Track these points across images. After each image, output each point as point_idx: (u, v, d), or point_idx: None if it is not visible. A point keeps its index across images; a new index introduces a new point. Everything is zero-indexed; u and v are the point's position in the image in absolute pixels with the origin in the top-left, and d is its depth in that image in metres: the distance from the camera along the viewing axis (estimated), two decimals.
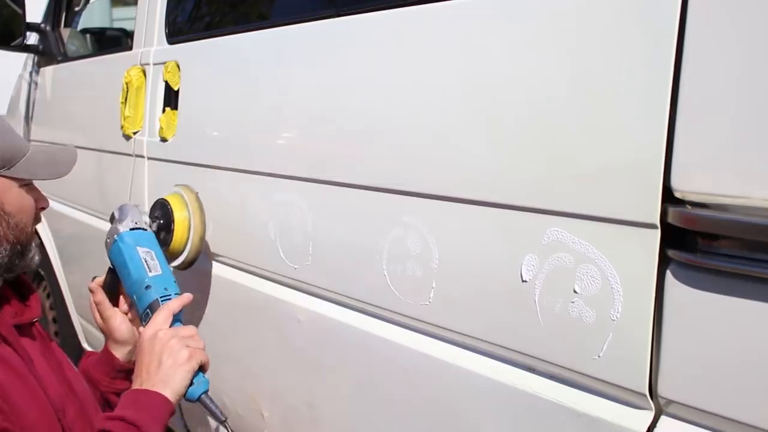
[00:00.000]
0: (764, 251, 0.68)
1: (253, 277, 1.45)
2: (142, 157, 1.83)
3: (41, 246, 1.21)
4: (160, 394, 1.09)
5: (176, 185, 1.53)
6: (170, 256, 1.44)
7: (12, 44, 2.61)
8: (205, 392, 1.17)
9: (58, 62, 2.58)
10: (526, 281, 0.89)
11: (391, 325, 1.13)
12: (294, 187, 1.29)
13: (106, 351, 1.33)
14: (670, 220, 0.74)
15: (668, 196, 0.74)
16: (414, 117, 1.05)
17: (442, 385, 1.04)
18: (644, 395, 0.78)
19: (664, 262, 0.76)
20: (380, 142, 1.11)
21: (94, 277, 1.38)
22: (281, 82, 1.34)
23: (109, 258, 1.33)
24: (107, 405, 1.27)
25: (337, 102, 1.20)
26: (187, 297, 1.26)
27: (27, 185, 1.14)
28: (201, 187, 1.60)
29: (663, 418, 0.79)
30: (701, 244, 0.73)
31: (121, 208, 1.38)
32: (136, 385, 1.13)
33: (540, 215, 0.88)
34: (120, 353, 1.32)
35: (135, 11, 1.93)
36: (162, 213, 1.47)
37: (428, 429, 1.08)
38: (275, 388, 1.40)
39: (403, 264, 1.07)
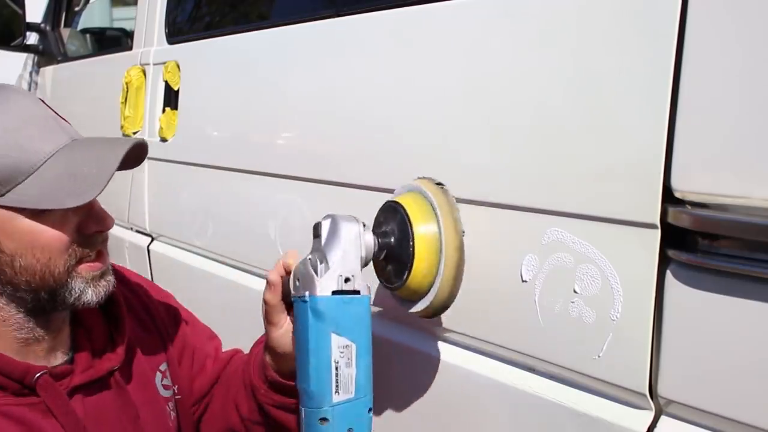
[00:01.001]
0: (764, 251, 0.68)
1: (253, 277, 1.45)
2: None
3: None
4: None
5: (416, 179, 0.99)
6: (406, 297, 0.96)
7: (12, 44, 2.61)
8: None
9: (58, 62, 2.58)
10: (526, 281, 0.89)
11: (390, 324, 1.13)
12: (294, 187, 1.29)
13: (262, 354, 1.03)
14: (670, 220, 0.74)
15: (668, 196, 0.74)
16: (414, 117, 1.05)
17: (441, 385, 1.04)
18: (644, 395, 0.78)
19: (664, 262, 0.76)
20: (380, 142, 1.11)
21: (287, 253, 0.97)
22: (281, 82, 1.35)
23: (293, 307, 0.90)
24: (267, 416, 1.04)
25: (337, 102, 1.20)
26: None
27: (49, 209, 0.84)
28: (201, 187, 1.59)
29: (663, 418, 0.79)
30: (701, 244, 0.73)
31: (334, 225, 0.88)
32: None
33: (540, 215, 0.88)
34: (275, 361, 1.00)
35: (135, 11, 1.93)
36: (395, 227, 0.93)
37: (428, 429, 1.08)
38: None
39: None
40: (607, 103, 0.80)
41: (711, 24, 0.72)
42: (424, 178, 0.98)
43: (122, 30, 2.79)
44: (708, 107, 0.71)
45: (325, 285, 0.84)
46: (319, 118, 1.24)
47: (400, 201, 0.94)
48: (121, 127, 1.90)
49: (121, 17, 3.70)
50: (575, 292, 0.84)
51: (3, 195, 0.83)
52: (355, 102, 1.17)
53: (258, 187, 1.40)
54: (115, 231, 2.03)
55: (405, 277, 0.90)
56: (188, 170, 1.63)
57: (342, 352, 0.83)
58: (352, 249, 0.87)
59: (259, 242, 1.39)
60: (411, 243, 0.90)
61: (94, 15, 3.26)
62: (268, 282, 0.96)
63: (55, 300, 0.88)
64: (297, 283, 0.88)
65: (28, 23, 2.58)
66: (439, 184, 0.95)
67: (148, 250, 1.86)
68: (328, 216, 0.90)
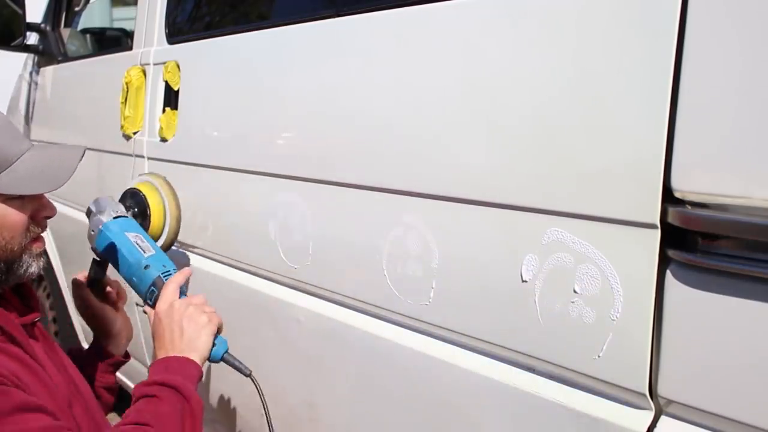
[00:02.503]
0: (764, 251, 0.68)
1: (253, 277, 1.45)
2: (142, 157, 1.83)
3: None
4: (188, 359, 1.14)
5: (141, 174, 1.65)
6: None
7: (12, 44, 2.61)
8: (227, 351, 1.22)
9: (58, 62, 2.58)
10: (526, 281, 0.89)
11: (391, 325, 1.13)
12: (294, 187, 1.29)
13: (97, 346, 1.36)
14: (670, 220, 0.74)
15: (668, 196, 0.74)
16: (414, 117, 1.05)
17: (442, 385, 1.04)
18: (644, 395, 0.78)
19: (664, 262, 0.76)
20: (380, 142, 1.11)
21: (74, 276, 1.39)
22: (281, 82, 1.34)
23: (96, 250, 1.35)
24: (98, 399, 1.29)
25: (337, 102, 1.20)
26: (188, 270, 1.28)
27: (20, 196, 1.07)
28: (201, 188, 1.60)
29: (663, 418, 0.79)
30: (701, 244, 0.73)
31: (96, 202, 1.40)
32: (161, 356, 1.16)
33: (540, 215, 0.88)
34: (115, 346, 1.37)
35: (135, 11, 1.93)
36: (135, 201, 1.55)
37: (428, 429, 1.08)
38: (275, 388, 1.40)
39: (403, 264, 1.07)
40: (607, 103, 0.80)
41: (711, 24, 0.72)
42: (148, 173, 1.65)
43: (122, 30, 2.79)
44: (708, 107, 0.71)
45: (106, 216, 1.36)
46: (318, 118, 1.24)
47: (137, 186, 1.58)
48: (121, 127, 1.90)
49: (121, 17, 3.70)
50: (575, 292, 0.84)
51: None
52: (354, 102, 1.17)
53: (258, 187, 1.40)
54: None
55: (147, 228, 1.52)
56: (188, 170, 1.63)
57: (135, 237, 1.34)
58: (112, 204, 1.41)
59: (259, 242, 1.39)
60: (148, 208, 1.54)
61: (94, 15, 3.26)
62: (73, 285, 1.36)
63: (9, 271, 1.08)
64: (92, 232, 1.36)
65: (28, 23, 2.58)
66: (160, 175, 1.62)
67: None
68: (92, 201, 1.41)
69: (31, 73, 2.82)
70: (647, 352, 0.77)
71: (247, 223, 1.45)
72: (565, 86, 0.84)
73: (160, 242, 1.54)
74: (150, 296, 1.27)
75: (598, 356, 0.82)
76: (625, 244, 0.79)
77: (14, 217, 1.07)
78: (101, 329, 1.36)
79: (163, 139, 1.72)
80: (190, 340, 1.16)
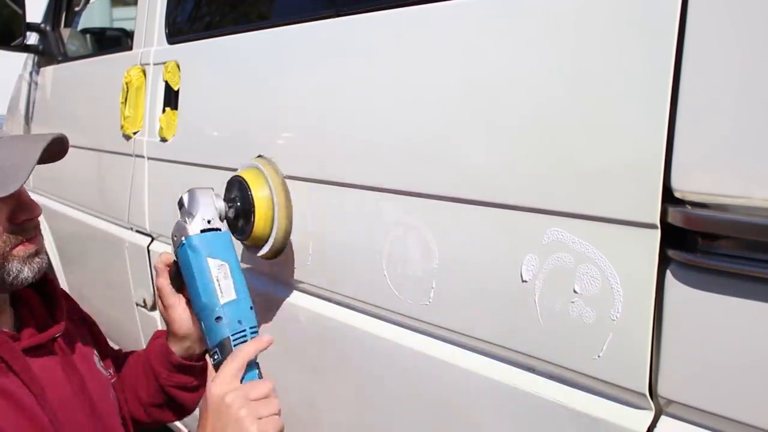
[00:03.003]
0: (764, 251, 0.68)
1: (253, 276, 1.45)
2: (142, 157, 1.83)
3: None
4: None
5: (254, 158, 1.32)
6: (253, 245, 1.28)
7: (12, 44, 2.61)
8: None
9: (58, 62, 2.58)
10: (526, 281, 0.89)
11: (391, 325, 1.13)
12: (294, 187, 1.29)
13: (165, 342, 1.20)
14: (670, 220, 0.74)
15: (668, 196, 0.74)
16: (414, 117, 1.05)
17: (442, 385, 1.04)
18: (644, 395, 0.78)
19: (664, 262, 0.76)
20: (380, 142, 1.11)
21: (162, 253, 1.19)
22: (281, 82, 1.34)
23: (176, 257, 1.13)
24: (167, 396, 1.19)
25: (337, 102, 1.20)
26: (266, 341, 1.03)
27: None
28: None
29: (663, 418, 0.79)
30: (701, 244, 0.73)
31: (191, 196, 1.13)
32: None
33: (540, 215, 0.88)
34: (178, 347, 1.18)
35: (135, 11, 1.93)
36: (239, 194, 1.24)
37: (428, 429, 1.08)
38: (275, 389, 1.40)
39: (403, 264, 1.07)
40: (607, 103, 0.80)
41: (711, 24, 0.72)
42: (260, 156, 1.32)
43: (122, 30, 2.79)
44: (708, 107, 0.71)
45: (194, 227, 1.09)
46: (318, 118, 1.24)
47: (242, 174, 1.26)
48: (121, 127, 1.90)
49: (121, 17, 3.70)
50: (575, 292, 0.84)
51: None
52: (354, 102, 1.17)
53: None
54: (115, 231, 2.04)
55: (250, 231, 1.23)
56: (188, 170, 1.63)
57: (218, 269, 1.07)
58: (208, 204, 1.12)
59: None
60: (252, 205, 1.23)
61: (94, 15, 3.26)
62: (155, 269, 1.16)
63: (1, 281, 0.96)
64: (174, 237, 1.11)
65: (28, 23, 2.58)
66: (271, 162, 1.28)
67: (148, 250, 1.86)
68: (187, 191, 1.15)
69: (31, 73, 2.82)
70: (647, 352, 0.77)
71: None
72: (565, 86, 0.84)
73: (264, 250, 1.26)
74: (213, 356, 1.05)
75: (598, 356, 0.82)
76: (625, 244, 0.79)
77: None
78: (170, 325, 1.17)
79: (163, 139, 1.72)
80: None
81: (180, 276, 1.12)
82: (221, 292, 1.05)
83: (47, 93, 2.69)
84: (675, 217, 0.74)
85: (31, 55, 2.81)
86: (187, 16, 1.78)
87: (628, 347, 0.79)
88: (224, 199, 1.20)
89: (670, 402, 0.78)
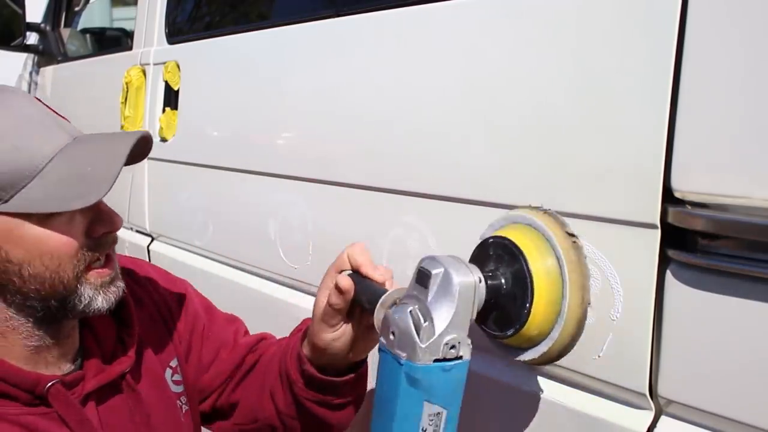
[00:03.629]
0: (764, 251, 0.68)
1: (253, 277, 1.45)
2: None
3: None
4: None
5: (518, 209, 0.86)
6: (517, 344, 0.82)
7: (12, 44, 2.61)
8: None
9: (58, 62, 2.58)
10: None
11: None
12: (294, 187, 1.29)
13: (300, 345, 0.96)
14: (670, 220, 0.74)
15: (668, 196, 0.74)
16: (414, 117, 1.05)
17: None
18: (644, 395, 0.78)
19: (664, 262, 0.76)
20: (380, 142, 1.11)
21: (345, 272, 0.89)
22: (281, 82, 1.35)
23: (378, 368, 0.79)
24: (303, 410, 0.97)
25: (337, 102, 1.20)
26: None
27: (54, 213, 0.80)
28: (201, 187, 1.58)
29: (663, 418, 0.79)
30: (701, 244, 0.73)
31: (445, 280, 0.74)
32: None
33: None
34: (315, 356, 0.93)
35: (135, 11, 1.93)
36: (508, 267, 0.80)
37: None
38: None
39: (404, 264, 1.07)
40: (607, 103, 0.80)
41: (711, 24, 0.72)
42: (531, 207, 0.85)
43: (122, 30, 2.79)
44: (708, 107, 0.71)
45: (427, 353, 0.73)
46: (318, 118, 1.24)
47: (511, 236, 0.80)
48: (121, 127, 1.90)
49: (121, 17, 3.70)
50: None
51: (7, 201, 0.78)
52: (354, 102, 1.17)
53: (258, 187, 1.40)
54: None
55: (521, 324, 0.78)
56: (188, 170, 1.63)
57: (431, 420, 0.75)
58: (464, 311, 0.74)
59: (259, 242, 1.39)
60: (529, 288, 0.77)
61: (94, 15, 3.26)
62: (339, 287, 0.86)
63: (65, 308, 0.84)
64: (392, 337, 0.76)
65: (28, 23, 2.58)
66: (546, 211, 0.83)
67: (148, 250, 1.86)
68: (436, 262, 0.76)
69: (31, 73, 2.82)
70: (647, 352, 0.77)
71: (246, 223, 1.45)
72: (565, 86, 0.84)
73: (533, 353, 0.80)
74: None
75: (598, 356, 0.82)
76: (625, 244, 0.79)
77: (56, 240, 0.81)
78: (315, 336, 0.91)
79: (163, 139, 1.72)
80: None
81: (357, 304, 0.85)
82: None
83: (47, 93, 2.69)
84: (675, 217, 0.74)
85: (31, 55, 2.81)
86: (187, 16, 1.78)
87: (628, 347, 0.79)
88: (483, 271, 0.79)
89: (670, 402, 0.78)
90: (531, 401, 0.91)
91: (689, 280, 0.74)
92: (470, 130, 0.96)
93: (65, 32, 2.69)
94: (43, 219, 0.80)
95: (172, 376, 1.02)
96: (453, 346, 0.73)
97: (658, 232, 0.75)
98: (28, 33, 2.61)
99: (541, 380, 0.91)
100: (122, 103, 1.89)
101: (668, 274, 0.76)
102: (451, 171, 0.99)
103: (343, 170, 1.18)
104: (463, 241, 0.98)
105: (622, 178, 0.78)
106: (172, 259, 1.75)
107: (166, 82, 1.71)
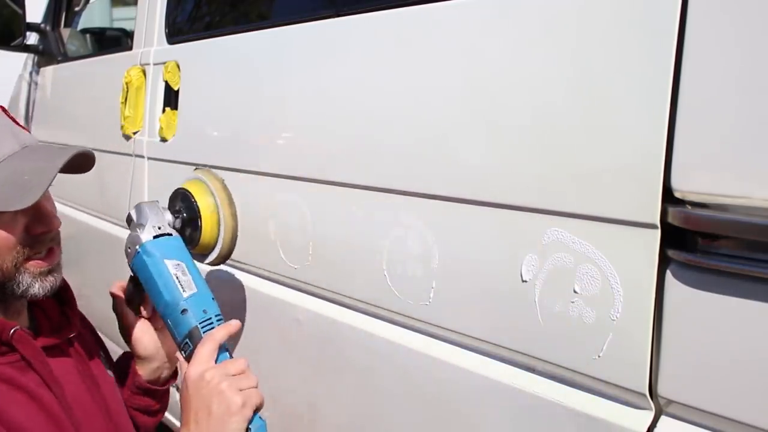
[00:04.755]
0: (764, 251, 0.68)
1: (254, 277, 1.45)
2: (142, 157, 1.83)
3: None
4: None
5: (195, 170, 1.42)
6: (201, 254, 1.35)
7: (12, 44, 2.61)
8: None
9: (58, 62, 2.58)
10: (526, 281, 0.89)
11: (391, 325, 1.13)
12: (294, 187, 1.29)
13: (131, 364, 1.23)
14: (670, 220, 0.74)
15: (668, 196, 0.74)
16: (414, 117, 1.05)
17: (441, 385, 1.04)
18: (644, 395, 0.78)
19: (664, 262, 0.76)
20: (380, 142, 1.11)
21: (114, 282, 1.25)
22: (281, 82, 1.34)
23: (132, 270, 1.17)
24: (134, 422, 1.20)
25: (337, 102, 1.20)
26: (233, 325, 1.07)
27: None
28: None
29: (663, 418, 0.79)
30: (701, 244, 0.73)
31: (138, 209, 1.20)
32: None
33: (540, 215, 0.88)
34: (144, 369, 1.21)
35: (135, 11, 1.93)
36: (184, 205, 1.32)
37: (428, 429, 1.08)
38: (275, 389, 1.40)
39: (403, 264, 1.07)
40: (607, 103, 0.80)
41: (711, 24, 0.72)
42: (203, 169, 1.41)
43: (122, 30, 2.79)
44: (708, 107, 0.71)
45: (146, 235, 1.14)
46: (318, 118, 1.24)
47: (187, 186, 1.34)
48: (121, 127, 1.90)
49: (121, 17, 3.70)
50: (575, 292, 0.84)
51: None
52: (354, 102, 1.17)
53: (258, 187, 1.40)
54: (115, 231, 2.04)
55: (197, 239, 1.31)
56: (188, 170, 1.63)
57: (176, 267, 1.11)
58: (156, 214, 1.19)
59: (258, 242, 1.39)
60: (198, 215, 1.31)
61: (94, 15, 3.26)
62: (112, 295, 1.21)
63: (4, 291, 0.98)
64: (128, 249, 1.15)
65: (28, 23, 2.58)
66: (216, 175, 1.35)
67: None
68: (134, 206, 1.21)
69: (31, 73, 2.82)
70: (647, 352, 0.77)
71: (246, 223, 1.44)
72: (565, 86, 0.84)
73: (212, 257, 1.34)
74: (184, 348, 1.07)
75: (598, 356, 0.82)
76: (625, 244, 0.79)
77: None
78: (131, 348, 1.22)
79: (163, 139, 1.72)
80: (217, 426, 0.96)
81: (138, 290, 1.18)
82: (182, 287, 1.09)
83: (47, 93, 2.69)
84: (675, 217, 0.74)
85: (31, 55, 2.81)
86: (187, 16, 1.78)
87: (628, 347, 0.79)
88: (170, 210, 1.28)
89: (670, 402, 0.78)
90: (531, 401, 0.91)
91: (689, 280, 0.74)
92: (470, 130, 0.96)
93: (65, 32, 2.69)
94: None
95: (105, 362, 1.20)
96: (160, 227, 1.16)
97: (658, 232, 0.75)
98: (28, 33, 2.61)
99: (541, 380, 0.91)
100: (122, 103, 1.89)
101: (668, 274, 0.76)
102: (451, 171, 0.99)
103: (343, 170, 1.18)
104: (463, 241, 0.98)
105: (622, 178, 0.78)
106: None
107: (166, 82, 1.71)
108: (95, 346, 1.19)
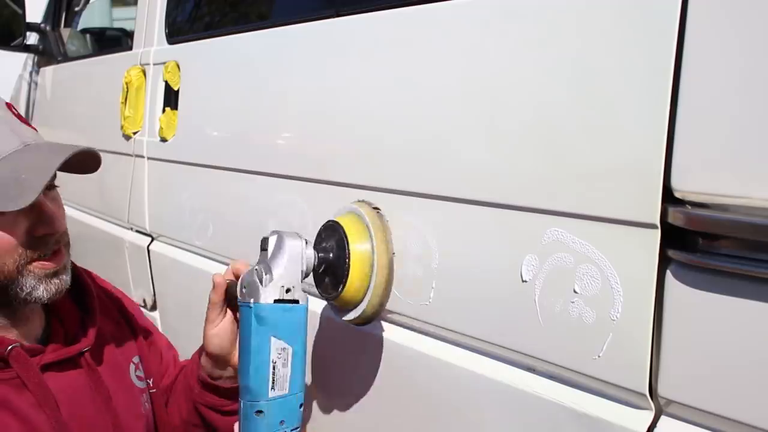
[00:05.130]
0: (764, 251, 0.68)
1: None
2: (142, 157, 1.83)
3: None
4: None
5: (355, 202, 1.11)
6: (341, 307, 1.07)
7: (12, 44, 2.61)
8: None
9: (58, 62, 2.58)
10: (526, 281, 0.89)
11: (391, 325, 1.13)
12: (294, 187, 1.29)
13: (197, 356, 1.16)
14: (670, 220, 0.74)
15: (668, 196, 0.74)
16: (414, 117, 1.05)
17: (441, 385, 1.04)
18: (644, 395, 0.78)
19: (664, 262, 0.76)
20: (380, 142, 1.11)
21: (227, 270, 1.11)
22: (281, 82, 1.35)
23: (239, 310, 0.99)
24: (201, 418, 1.13)
25: (337, 102, 1.20)
26: None
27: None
28: (201, 187, 1.58)
29: (663, 418, 0.79)
30: (701, 244, 0.73)
31: (278, 242, 0.98)
32: None
33: (540, 215, 0.88)
34: (210, 363, 1.12)
35: (135, 11, 1.93)
36: (333, 244, 1.04)
37: (428, 429, 1.07)
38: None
39: (403, 264, 1.07)
40: (607, 103, 0.80)
41: (711, 24, 0.72)
42: (362, 201, 1.10)
43: (122, 30, 2.80)
44: (708, 107, 0.71)
45: (268, 294, 0.93)
46: (318, 118, 1.24)
47: (339, 221, 1.05)
48: (121, 127, 1.90)
49: (121, 17, 3.70)
50: (575, 292, 0.84)
51: None
52: (354, 102, 1.17)
53: (258, 187, 1.40)
54: (115, 231, 2.04)
55: (340, 291, 1.01)
56: (188, 170, 1.63)
57: (279, 354, 0.93)
58: (294, 263, 0.96)
59: (259, 242, 1.39)
60: (347, 259, 1.01)
61: (94, 15, 3.26)
62: (214, 283, 1.07)
63: (7, 294, 0.93)
64: (244, 290, 0.97)
65: (28, 23, 2.58)
66: (375, 208, 1.07)
67: (148, 250, 1.86)
68: (274, 232, 0.99)
69: (31, 73, 2.82)
70: (647, 352, 0.77)
71: (246, 223, 1.44)
72: (566, 86, 0.84)
73: (353, 315, 1.05)
74: None
75: (598, 356, 0.82)
76: (625, 244, 0.79)
77: None
78: (205, 340, 1.10)
79: (163, 139, 1.72)
80: None
81: (233, 306, 1.06)
82: (273, 382, 0.93)
83: (47, 93, 2.69)
84: (675, 217, 0.74)
85: (31, 55, 2.81)
86: (187, 16, 1.78)
87: (628, 347, 0.79)
88: (315, 248, 1.02)
89: (670, 402, 0.78)
90: (531, 401, 0.91)
91: (689, 280, 0.74)
92: (470, 130, 0.96)
93: (65, 32, 2.69)
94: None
95: (135, 371, 1.12)
96: (288, 290, 0.94)
97: (658, 232, 0.75)
98: (28, 33, 2.61)
99: (541, 380, 0.91)
100: (122, 103, 1.89)
101: (668, 274, 0.76)
102: (451, 171, 0.99)
103: (343, 170, 1.18)
104: (463, 241, 0.98)
105: (622, 178, 0.78)
106: (172, 259, 1.75)
107: (166, 82, 1.71)
108: (125, 351, 1.11)
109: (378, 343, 1.15)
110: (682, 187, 0.73)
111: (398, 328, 1.12)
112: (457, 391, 1.02)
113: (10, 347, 0.93)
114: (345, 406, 1.25)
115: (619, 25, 0.79)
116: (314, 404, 1.30)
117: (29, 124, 1.00)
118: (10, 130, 0.94)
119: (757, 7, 0.68)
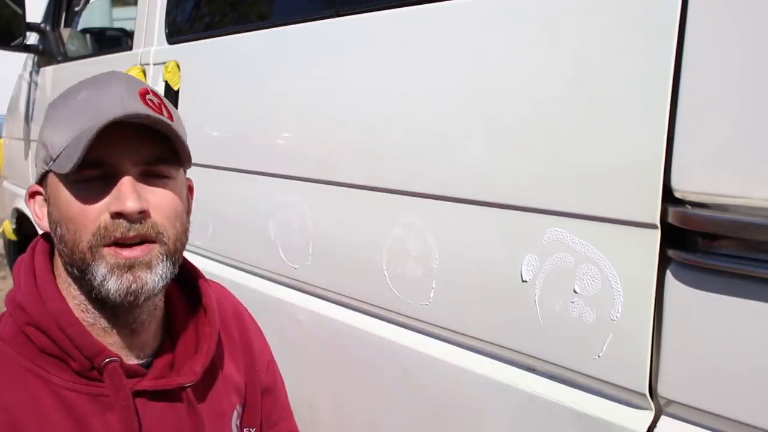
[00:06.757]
0: (764, 251, 0.68)
1: (253, 277, 1.45)
2: None
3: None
4: None
5: None
6: None
7: (12, 44, 2.61)
8: None
9: (58, 62, 2.58)
10: (526, 281, 0.89)
11: (391, 325, 1.13)
12: (294, 187, 1.29)
13: None
14: (670, 220, 0.74)
15: (668, 196, 0.74)
16: (414, 117, 1.05)
17: (441, 384, 1.04)
18: (644, 395, 0.78)
19: (664, 262, 0.76)
20: (380, 142, 1.11)
21: None
22: (281, 82, 1.34)
23: None
24: None
25: (337, 102, 1.20)
26: None
27: (96, 178, 0.80)
28: (201, 187, 1.58)
29: (663, 418, 0.79)
30: (701, 244, 0.73)
31: None
32: None
33: (540, 215, 0.88)
34: None
35: (135, 11, 1.93)
36: None
37: (428, 429, 1.08)
38: None
39: (403, 264, 1.07)
40: (608, 103, 0.80)
41: (711, 24, 0.72)
42: None
43: (122, 30, 2.79)
44: (708, 107, 0.71)
45: None
46: (318, 118, 1.24)
47: None
48: None
49: (121, 17, 3.70)
50: (575, 292, 0.84)
51: (54, 160, 0.81)
52: (354, 102, 1.17)
53: (258, 187, 1.40)
54: None
55: None
56: (188, 170, 1.63)
57: None
58: None
59: (259, 242, 1.39)
60: None
61: (94, 15, 3.26)
62: None
63: (84, 279, 0.82)
64: None
65: (28, 23, 2.58)
66: None
67: None
68: None
69: (31, 73, 2.82)
70: (647, 352, 0.77)
71: (246, 223, 1.45)
72: (566, 86, 0.84)
73: None
74: None
75: (598, 356, 0.82)
76: (625, 244, 0.79)
77: (76, 207, 0.80)
78: None
79: None
80: None
81: None
82: None
83: (47, 93, 2.69)
84: (675, 217, 0.74)
85: (31, 55, 2.81)
86: (187, 16, 1.78)
87: (628, 347, 0.79)
88: None
89: (670, 402, 0.78)
90: (531, 401, 0.91)
91: (689, 280, 0.74)
92: (470, 130, 0.96)
93: (65, 32, 2.69)
94: (72, 184, 0.81)
95: (236, 419, 0.99)
96: None
97: (658, 232, 0.75)
98: (28, 33, 2.61)
99: (541, 380, 0.91)
100: None
101: (668, 274, 0.76)
102: (451, 171, 0.99)
103: (343, 170, 1.18)
104: (463, 241, 0.98)
105: (622, 178, 0.78)
106: None
107: (166, 82, 1.71)
108: (227, 398, 0.97)
109: (378, 343, 1.15)
110: (682, 187, 0.73)
111: (398, 328, 1.12)
112: (457, 390, 1.02)
113: (107, 360, 0.82)
114: (345, 406, 1.25)
115: (619, 25, 0.79)
116: (315, 404, 1.30)
117: (165, 105, 0.87)
118: (120, 102, 0.81)
119: (757, 8, 0.68)
